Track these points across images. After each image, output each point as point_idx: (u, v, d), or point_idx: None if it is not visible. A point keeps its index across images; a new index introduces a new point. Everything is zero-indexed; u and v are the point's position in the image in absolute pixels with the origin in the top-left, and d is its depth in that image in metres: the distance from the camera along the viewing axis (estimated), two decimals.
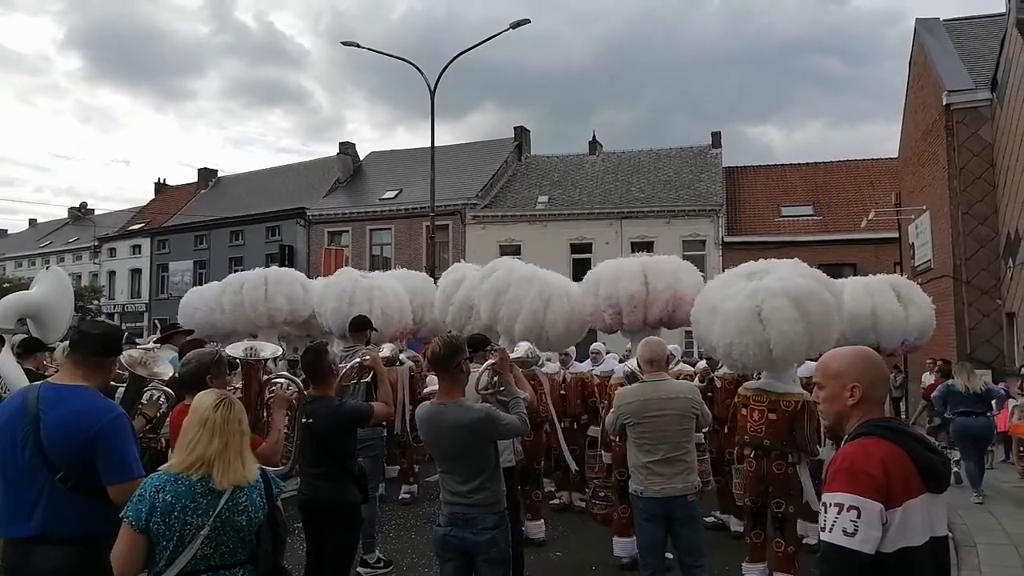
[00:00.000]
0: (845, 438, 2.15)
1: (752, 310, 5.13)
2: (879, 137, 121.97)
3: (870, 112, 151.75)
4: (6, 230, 57.46)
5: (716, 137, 31.99)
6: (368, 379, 4.81)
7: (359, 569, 5.62)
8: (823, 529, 1.99)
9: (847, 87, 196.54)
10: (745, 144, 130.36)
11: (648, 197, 29.22)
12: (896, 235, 20.96)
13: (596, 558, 6.03)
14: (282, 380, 4.02)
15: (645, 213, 28.36)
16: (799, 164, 31.25)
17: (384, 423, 6.01)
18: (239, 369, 4.21)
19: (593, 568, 5.87)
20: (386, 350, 4.82)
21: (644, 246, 26.70)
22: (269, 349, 4.31)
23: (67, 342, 5.17)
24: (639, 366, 4.74)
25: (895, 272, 13.87)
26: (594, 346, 8.39)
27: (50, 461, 2.65)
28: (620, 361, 8.03)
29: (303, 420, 3.97)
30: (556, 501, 7.80)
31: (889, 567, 1.92)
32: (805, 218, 27.62)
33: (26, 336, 6.16)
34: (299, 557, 4.65)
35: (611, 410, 4.74)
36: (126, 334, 3.21)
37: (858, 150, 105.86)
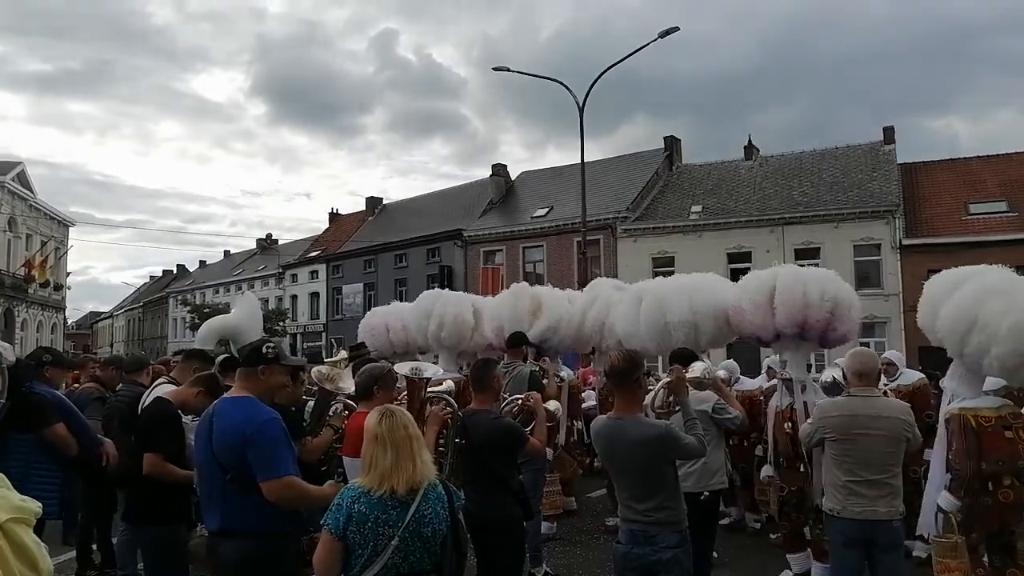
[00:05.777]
0: None
1: None
2: None
3: None
4: (205, 261, 64.73)
5: (888, 132, 29.54)
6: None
7: None
8: None
9: None
10: (925, 138, 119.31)
11: (812, 200, 27.41)
12: None
13: None
14: (440, 399, 4.25)
15: (810, 217, 26.51)
16: (989, 156, 28.09)
17: None
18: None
19: None
20: (551, 405, 4.97)
21: (809, 253, 25.25)
22: (432, 370, 4.56)
23: None
24: (845, 378, 4.43)
25: None
26: (770, 360, 7.79)
27: (221, 464, 3.05)
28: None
29: (456, 440, 4.12)
30: (726, 520, 7.49)
31: None
32: (999, 215, 24.71)
33: (226, 355, 6.88)
34: (471, 566, 4.82)
35: (808, 421, 4.49)
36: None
37: None
